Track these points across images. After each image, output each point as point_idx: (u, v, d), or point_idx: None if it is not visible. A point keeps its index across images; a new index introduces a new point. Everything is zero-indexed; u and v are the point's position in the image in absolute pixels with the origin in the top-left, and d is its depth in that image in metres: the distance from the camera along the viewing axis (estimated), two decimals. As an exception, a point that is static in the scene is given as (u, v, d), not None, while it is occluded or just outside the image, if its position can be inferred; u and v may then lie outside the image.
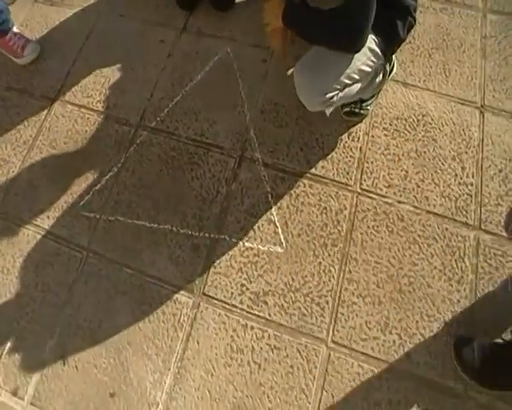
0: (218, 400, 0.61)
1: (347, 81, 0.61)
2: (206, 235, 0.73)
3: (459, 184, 0.73)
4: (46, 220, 0.78)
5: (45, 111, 0.90)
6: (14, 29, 0.98)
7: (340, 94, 0.62)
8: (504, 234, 0.62)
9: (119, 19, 0.98)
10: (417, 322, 0.64)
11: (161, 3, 0.98)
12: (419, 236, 0.69)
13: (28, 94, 0.92)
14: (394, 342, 0.63)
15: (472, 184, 0.72)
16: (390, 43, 0.63)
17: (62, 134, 0.87)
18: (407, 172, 0.74)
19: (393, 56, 0.74)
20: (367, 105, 0.78)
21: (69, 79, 0.93)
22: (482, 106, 0.80)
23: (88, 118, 0.88)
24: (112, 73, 0.92)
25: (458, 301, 0.64)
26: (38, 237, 0.77)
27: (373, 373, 0.61)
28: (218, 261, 0.71)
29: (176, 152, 0.81)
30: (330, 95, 0.60)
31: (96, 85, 0.91)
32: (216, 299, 0.69)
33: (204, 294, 0.69)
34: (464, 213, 0.70)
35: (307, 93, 0.62)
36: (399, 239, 0.69)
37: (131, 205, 0.78)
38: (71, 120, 0.88)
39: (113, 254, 0.74)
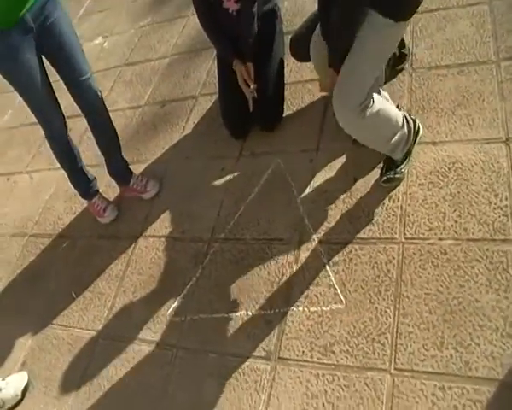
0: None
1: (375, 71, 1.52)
2: (277, 310, 1.68)
3: (494, 209, 1.55)
4: (141, 332, 1.91)
5: (131, 247, 2.24)
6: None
7: (375, 108, 1.53)
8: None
9: (186, 161, 2.46)
10: (470, 334, 1.32)
11: (219, 139, 2.41)
12: (462, 262, 1.47)
13: (116, 238, 2.31)
14: (451, 355, 1.31)
15: (506, 206, 1.53)
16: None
17: (147, 262, 2.16)
18: (445, 213, 1.62)
19: (417, 120, 1.80)
20: (401, 169, 1.78)
21: (149, 220, 2.32)
22: (507, 139, 1.70)
23: (167, 244, 2.16)
24: (183, 206, 2.26)
25: (508, 306, 1.32)
26: (135, 346, 1.87)
27: (435, 387, 1.27)
28: (288, 329, 1.62)
29: (244, 253, 1.93)
30: (363, 98, 1.47)
31: (172, 218, 2.25)
32: (290, 360, 1.54)
33: (279, 358, 1.57)
34: (502, 231, 1.48)
35: (342, 103, 1.50)
36: (444, 269, 1.48)
37: (211, 303, 1.85)
38: (153, 249, 2.18)
39: (200, 345, 1.75)
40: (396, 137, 1.67)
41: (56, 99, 2.04)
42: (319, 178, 1.96)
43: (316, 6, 1.67)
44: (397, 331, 1.43)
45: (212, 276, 1.89)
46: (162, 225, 2.19)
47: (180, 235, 2.10)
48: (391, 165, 1.75)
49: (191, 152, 2.42)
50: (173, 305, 1.88)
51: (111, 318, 1.98)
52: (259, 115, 2.22)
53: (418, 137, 1.78)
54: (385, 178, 1.76)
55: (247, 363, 1.60)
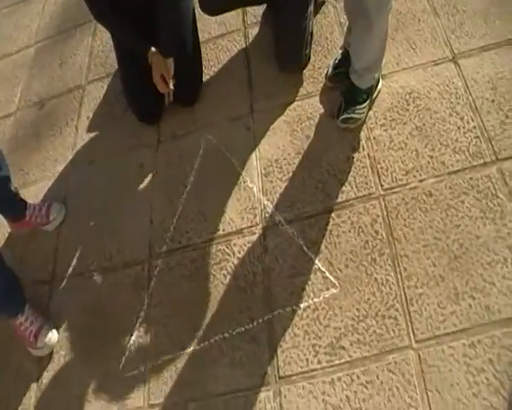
0: None
1: None
2: (260, 321, 1.55)
3: (464, 133, 1.59)
4: (90, 406, 1.58)
5: (46, 298, 1.83)
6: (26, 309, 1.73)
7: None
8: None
9: (91, 167, 2.10)
10: (482, 275, 1.35)
11: (126, 129, 2.11)
12: (450, 199, 1.49)
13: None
14: (470, 305, 1.33)
15: (475, 127, 1.58)
16: None
17: (75, 312, 1.77)
18: (417, 150, 1.62)
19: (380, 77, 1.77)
20: (361, 108, 1.72)
21: (60, 256, 1.91)
22: (454, 56, 1.75)
23: (95, 280, 1.80)
24: (103, 224, 1.92)
25: (509, 233, 1.37)
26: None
27: (464, 345, 1.28)
28: (281, 339, 1.49)
29: (198, 261, 1.74)
30: None
31: (91, 245, 1.89)
32: (294, 375, 1.43)
33: (280, 377, 1.43)
34: (479, 155, 1.53)
35: None
36: (435, 213, 1.49)
37: (172, 337, 1.62)
38: (77, 291, 1.80)
39: (175, 396, 1.49)
40: (382, 54, 1.65)
41: None
42: (264, 146, 1.85)
43: None
44: (406, 298, 1.40)
45: (164, 303, 1.68)
46: (81, 257, 1.89)
47: (108, 263, 1.84)
48: (350, 102, 1.71)
49: (95, 154, 2.16)
50: (125, 356, 1.62)
51: (42, 398, 1.65)
52: (176, 89, 2.01)
53: (379, 86, 1.77)
54: (343, 116, 1.71)
55: (241, 398, 1.43)
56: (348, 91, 1.72)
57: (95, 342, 1.70)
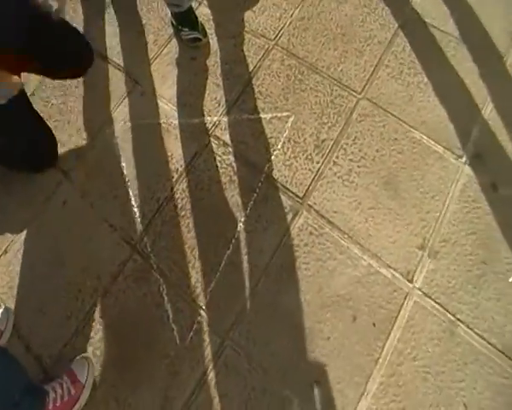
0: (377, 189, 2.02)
1: None
2: (259, 185, 2.09)
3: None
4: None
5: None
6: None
7: None
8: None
9: (6, 258, 2.00)
10: (360, 37, 2.35)
11: (19, 197, 2.11)
12: (316, 10, 2.43)
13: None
14: (361, 55, 2.31)
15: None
16: None
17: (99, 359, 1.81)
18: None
19: None
20: None
21: (35, 348, 1.83)
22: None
23: (109, 339, 1.83)
24: (58, 274, 1.95)
25: (364, 11, 2.42)
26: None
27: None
28: (283, 177, 2.09)
29: (178, 206, 2.20)
30: None
31: (60, 308, 1.90)
32: (309, 186, 2.07)
33: (302, 198, 2.07)
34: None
35: None
36: (314, 26, 2.40)
37: (240, 285, 2.02)
38: (79, 352, 1.80)
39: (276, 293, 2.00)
40: None
41: None
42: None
43: None
44: (336, 80, 2.26)
45: (175, 262, 1.97)
46: (58, 330, 1.92)
47: (95, 296, 1.95)
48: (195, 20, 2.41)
49: (2, 244, 2.12)
50: (175, 331, 1.87)
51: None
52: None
53: None
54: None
55: (293, 240, 1.98)
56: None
57: (137, 356, 1.85)
